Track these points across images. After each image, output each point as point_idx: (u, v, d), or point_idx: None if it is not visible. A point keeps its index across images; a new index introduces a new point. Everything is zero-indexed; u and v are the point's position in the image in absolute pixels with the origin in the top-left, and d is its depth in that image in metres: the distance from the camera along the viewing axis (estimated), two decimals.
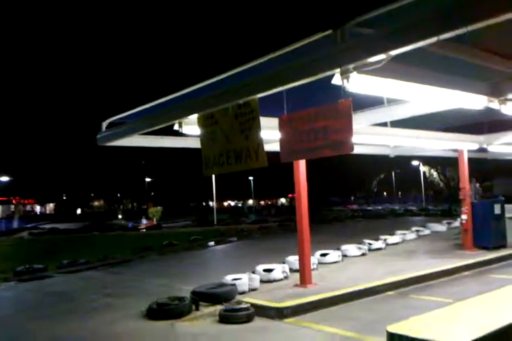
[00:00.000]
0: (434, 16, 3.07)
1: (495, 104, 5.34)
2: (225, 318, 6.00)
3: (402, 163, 42.39)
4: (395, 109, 6.60)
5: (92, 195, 70.42)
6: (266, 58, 4.69)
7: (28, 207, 66.43)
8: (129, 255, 13.53)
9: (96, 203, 73.54)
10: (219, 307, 6.31)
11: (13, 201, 56.73)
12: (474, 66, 5.33)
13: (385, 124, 8.19)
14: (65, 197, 68.41)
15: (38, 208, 68.97)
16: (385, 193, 73.10)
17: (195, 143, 6.01)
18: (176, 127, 5.71)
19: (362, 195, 72.06)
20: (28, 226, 38.35)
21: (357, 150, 10.29)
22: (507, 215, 11.02)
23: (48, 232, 29.65)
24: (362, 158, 25.11)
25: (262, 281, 7.79)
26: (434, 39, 3.09)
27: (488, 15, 2.89)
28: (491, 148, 10.78)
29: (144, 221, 35.03)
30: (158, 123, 5.90)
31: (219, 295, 6.70)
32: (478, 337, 4.41)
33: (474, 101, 5.21)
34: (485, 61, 5.35)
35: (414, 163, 44.07)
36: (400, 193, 71.84)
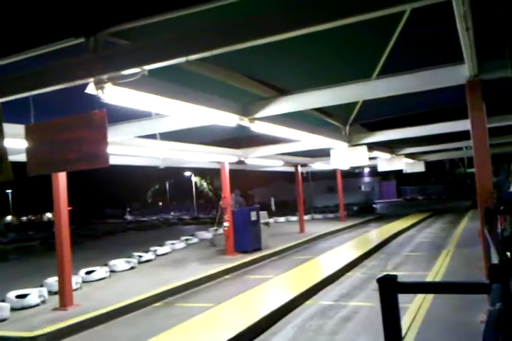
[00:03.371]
0: (182, 38, 3.23)
1: (245, 122, 5.97)
2: None
3: (175, 173, 43.86)
4: (160, 122, 6.72)
5: None
6: (10, 60, 4.18)
7: None
8: None
9: None
10: None
11: None
12: (229, 86, 5.87)
13: (155, 136, 8.28)
14: None
15: None
16: (160, 203, 74.05)
17: None
18: None
19: (138, 206, 71.38)
20: None
21: (125, 161, 10.25)
22: (261, 221, 12.45)
23: None
24: (136, 169, 24.93)
25: (14, 309, 6.86)
26: (183, 59, 3.25)
27: (232, 42, 3.20)
28: (248, 161, 12.06)
29: None
30: None
31: None
32: (232, 337, 4.82)
33: (228, 119, 5.71)
34: (238, 82, 5.95)
35: (187, 173, 46.11)
36: (174, 203, 73.83)
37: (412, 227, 17.32)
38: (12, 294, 7.20)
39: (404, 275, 7.95)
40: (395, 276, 2.39)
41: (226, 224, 11.59)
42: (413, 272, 8.48)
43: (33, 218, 67.81)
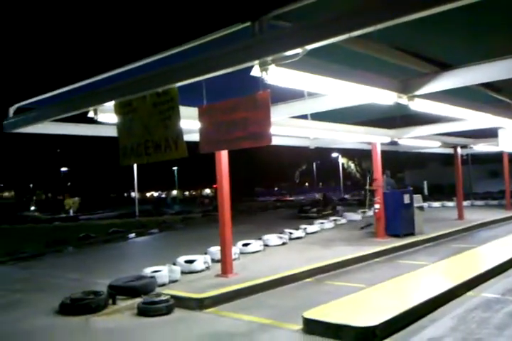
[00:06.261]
0: (344, 14, 3.18)
1: (404, 100, 5.67)
2: (144, 311, 5.89)
3: (322, 154, 44.02)
4: (313, 102, 6.78)
5: (1, 185, 65.61)
6: (187, 46, 4.60)
7: None
8: (42, 248, 12.80)
9: (6, 194, 68.55)
10: (138, 301, 6.18)
11: None
12: (386, 63, 5.63)
13: (306, 116, 8.43)
14: None
15: None
16: (306, 184, 75.42)
17: (113, 132, 5.78)
18: (90, 114, 5.44)
19: (285, 186, 73.81)
20: None
21: (278, 141, 10.63)
22: (415, 204, 11.84)
23: None
24: (285, 149, 25.68)
25: (183, 272, 7.74)
26: (345, 36, 3.21)
27: (397, 15, 3.05)
28: (401, 142, 11.50)
29: None
30: (71, 109, 5.58)
31: (137, 288, 6.56)
32: (387, 319, 4.75)
33: (385, 97, 5.50)
34: (396, 59, 5.67)
35: (334, 154, 45.86)
36: (320, 184, 74.50)
37: None
38: (181, 259, 8.13)
39: None
40: None
41: (377, 206, 11.30)
42: None
43: (193, 193, 75.05)
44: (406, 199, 11.57)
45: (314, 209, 18.92)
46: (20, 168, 51.02)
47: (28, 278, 8.97)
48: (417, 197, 12.24)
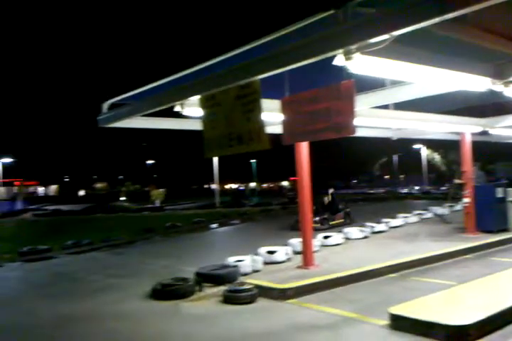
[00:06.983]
0: None
1: (498, 86, 5.28)
2: (229, 299, 6.08)
3: (404, 145, 42.33)
4: (398, 92, 6.54)
5: (95, 177, 70.93)
6: (268, 38, 4.63)
7: (31, 189, 66.67)
8: (132, 236, 13.65)
9: (99, 185, 73.88)
10: (222, 288, 6.39)
11: (16, 183, 57.02)
12: (478, 47, 5.25)
13: (387, 106, 8.15)
14: (67, 179, 69.01)
15: (40, 190, 69.14)
16: (387, 176, 72.99)
17: (197, 125, 6.00)
18: (177, 108, 5.68)
19: (364, 179, 72.01)
20: (32, 207, 38.41)
21: (359, 132, 10.38)
22: (509, 198, 11.00)
23: (51, 213, 29.75)
24: (364, 140, 25.00)
25: (265, 263, 7.84)
26: (435, 20, 3.04)
27: None
28: (493, 131, 10.70)
29: None
30: (159, 104, 5.88)
31: (222, 277, 6.78)
32: (481, 319, 4.49)
33: (477, 83, 5.16)
34: (489, 43, 5.26)
35: (417, 146, 43.86)
36: (402, 176, 71.73)
37: None
38: (263, 249, 8.25)
39: None
40: None
41: (467, 200, 10.65)
42: None
43: (271, 185, 75.84)
44: (499, 192, 10.79)
45: (317, 219, 13.07)
46: (112, 161, 54.74)
47: (121, 264, 9.63)
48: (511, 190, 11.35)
